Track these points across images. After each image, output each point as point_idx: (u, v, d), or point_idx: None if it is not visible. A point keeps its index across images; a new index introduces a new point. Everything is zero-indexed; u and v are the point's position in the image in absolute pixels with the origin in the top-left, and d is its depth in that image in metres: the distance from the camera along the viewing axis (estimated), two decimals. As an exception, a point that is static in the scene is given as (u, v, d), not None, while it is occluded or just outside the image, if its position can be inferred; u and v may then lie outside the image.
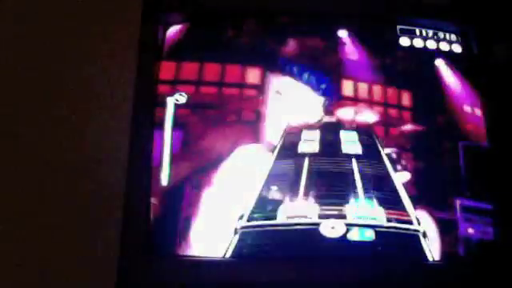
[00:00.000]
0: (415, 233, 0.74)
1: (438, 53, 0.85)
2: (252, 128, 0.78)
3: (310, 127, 0.79)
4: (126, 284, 0.70)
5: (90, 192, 0.90)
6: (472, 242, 0.76)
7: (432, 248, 0.74)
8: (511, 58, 0.89)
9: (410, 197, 0.76)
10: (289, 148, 0.77)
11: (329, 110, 0.80)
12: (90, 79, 0.96)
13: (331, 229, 0.73)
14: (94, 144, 0.92)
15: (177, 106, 0.78)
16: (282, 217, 0.73)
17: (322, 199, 0.75)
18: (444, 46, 0.85)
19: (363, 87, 0.82)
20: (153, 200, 0.74)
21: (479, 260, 0.76)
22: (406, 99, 0.82)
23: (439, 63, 0.84)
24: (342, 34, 0.83)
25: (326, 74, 0.81)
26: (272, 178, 0.75)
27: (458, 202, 0.77)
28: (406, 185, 0.77)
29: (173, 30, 0.81)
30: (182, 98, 0.78)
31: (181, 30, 0.82)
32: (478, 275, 0.74)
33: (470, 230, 0.76)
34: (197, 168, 0.76)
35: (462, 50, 0.85)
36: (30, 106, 0.94)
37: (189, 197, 0.75)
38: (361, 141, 0.79)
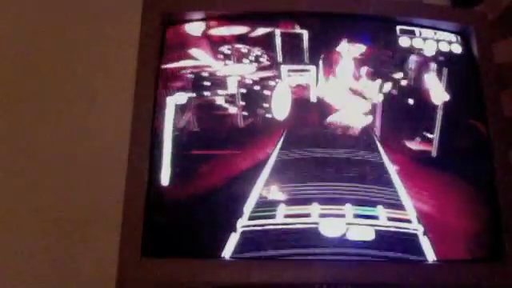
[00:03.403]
0: (415, 232, 0.74)
1: (438, 53, 0.85)
2: (252, 127, 0.78)
3: (310, 127, 0.79)
4: (126, 284, 0.70)
5: (90, 192, 0.90)
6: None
7: (431, 247, 0.74)
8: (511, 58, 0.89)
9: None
10: (289, 147, 0.77)
11: (329, 110, 0.81)
12: (90, 79, 0.96)
13: (331, 228, 0.73)
14: (93, 144, 0.93)
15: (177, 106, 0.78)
16: (282, 216, 0.73)
17: (322, 198, 0.75)
18: (444, 46, 0.85)
19: (363, 88, 0.82)
20: (153, 200, 0.74)
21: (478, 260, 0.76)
22: (405, 99, 0.82)
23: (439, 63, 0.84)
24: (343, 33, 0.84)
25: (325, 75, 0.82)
26: (272, 177, 0.75)
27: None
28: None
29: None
30: (181, 97, 0.78)
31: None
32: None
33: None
34: (197, 167, 0.76)
35: (462, 50, 0.85)
36: (30, 106, 0.94)
37: (189, 196, 0.75)
38: (361, 141, 0.79)
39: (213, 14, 0.82)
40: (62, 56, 0.97)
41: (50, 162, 0.92)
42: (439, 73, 0.83)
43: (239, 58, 0.79)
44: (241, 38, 0.80)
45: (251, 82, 0.79)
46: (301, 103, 0.80)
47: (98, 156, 0.92)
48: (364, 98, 0.81)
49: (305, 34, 0.81)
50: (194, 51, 0.80)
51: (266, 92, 0.79)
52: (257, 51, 0.79)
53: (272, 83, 0.79)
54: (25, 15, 0.99)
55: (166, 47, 0.80)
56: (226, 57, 0.79)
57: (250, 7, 0.83)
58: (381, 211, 0.75)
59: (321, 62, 0.81)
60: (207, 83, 0.78)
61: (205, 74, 0.79)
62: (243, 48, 0.80)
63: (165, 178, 0.75)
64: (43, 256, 0.87)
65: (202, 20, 0.82)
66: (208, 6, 0.83)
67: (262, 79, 0.79)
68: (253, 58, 0.79)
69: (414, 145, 0.79)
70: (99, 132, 0.94)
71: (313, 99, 0.80)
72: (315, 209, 0.74)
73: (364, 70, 0.82)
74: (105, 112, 0.95)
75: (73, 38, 0.98)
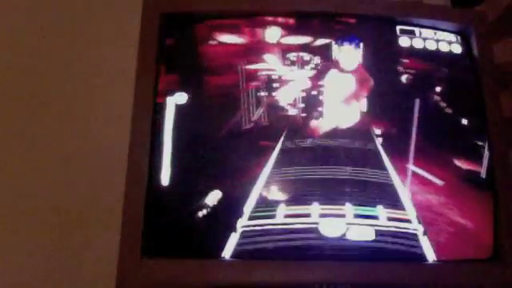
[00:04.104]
0: (415, 232, 0.74)
1: (438, 53, 0.85)
2: (252, 127, 0.78)
3: (310, 126, 0.79)
4: (126, 284, 0.70)
5: (90, 192, 0.90)
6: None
7: (431, 247, 0.74)
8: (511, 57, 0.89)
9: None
10: (290, 147, 0.77)
11: (329, 109, 0.81)
12: (90, 79, 0.96)
13: (331, 228, 0.73)
14: (93, 144, 0.93)
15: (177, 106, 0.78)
16: (282, 216, 0.73)
17: (322, 198, 0.75)
18: (444, 47, 0.85)
19: (363, 88, 0.82)
20: (153, 200, 0.74)
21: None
22: (405, 99, 0.82)
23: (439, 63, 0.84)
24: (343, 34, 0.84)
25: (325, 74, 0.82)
26: (273, 177, 0.75)
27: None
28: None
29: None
30: (181, 98, 0.78)
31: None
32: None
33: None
34: (197, 167, 0.76)
35: (462, 50, 0.85)
36: (30, 106, 0.94)
37: (189, 196, 0.75)
38: (361, 140, 0.79)
39: (213, 13, 0.83)
40: (62, 56, 0.97)
41: (50, 162, 0.92)
42: (438, 73, 0.84)
43: (302, 64, 0.82)
44: (304, 47, 0.83)
45: (309, 86, 0.81)
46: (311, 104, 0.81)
47: (98, 156, 0.92)
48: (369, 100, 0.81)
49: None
50: (267, 56, 0.82)
51: (321, 97, 0.81)
52: (317, 59, 0.82)
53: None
54: (25, 15, 0.99)
55: (247, 49, 0.81)
56: (292, 63, 0.82)
57: (247, 6, 0.83)
58: (381, 211, 0.75)
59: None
60: (276, 85, 0.81)
61: (274, 77, 0.81)
62: (306, 56, 0.82)
63: (165, 176, 0.75)
64: (43, 256, 0.87)
65: (202, 20, 0.82)
66: (208, 5, 0.83)
67: (318, 85, 0.81)
68: (313, 66, 0.82)
69: (412, 144, 0.80)
70: (99, 132, 0.94)
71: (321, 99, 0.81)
72: (315, 209, 0.74)
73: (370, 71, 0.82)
74: (105, 112, 0.95)
75: (73, 38, 0.98)
